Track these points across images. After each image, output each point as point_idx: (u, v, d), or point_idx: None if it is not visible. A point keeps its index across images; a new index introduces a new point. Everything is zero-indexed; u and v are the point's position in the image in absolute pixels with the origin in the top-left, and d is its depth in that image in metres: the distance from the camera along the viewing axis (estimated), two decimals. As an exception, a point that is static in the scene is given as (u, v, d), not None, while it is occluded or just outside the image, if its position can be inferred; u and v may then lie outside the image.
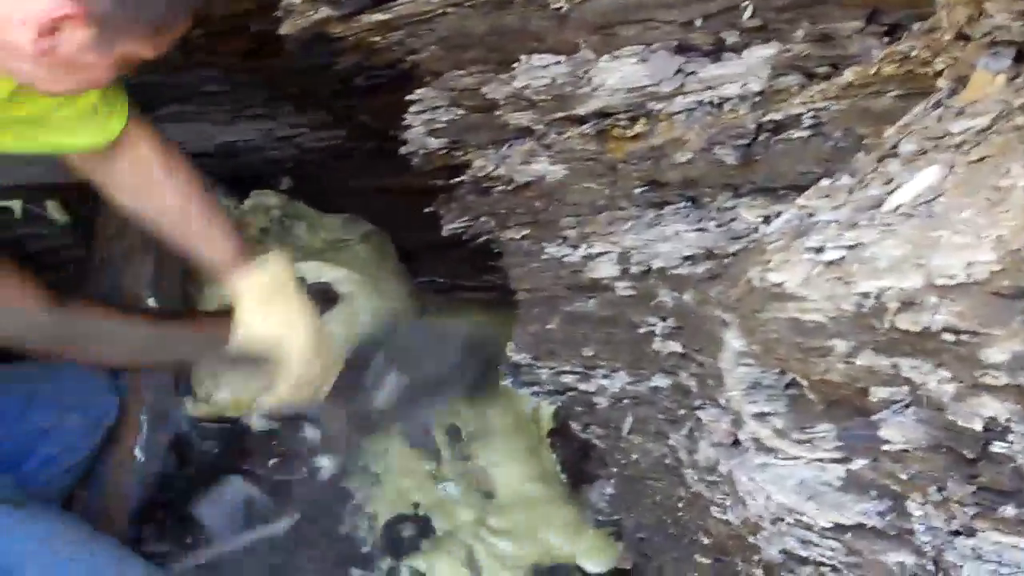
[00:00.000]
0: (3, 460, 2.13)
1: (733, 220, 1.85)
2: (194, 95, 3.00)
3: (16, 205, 3.15)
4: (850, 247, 1.31)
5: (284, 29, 2.19)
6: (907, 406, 1.24)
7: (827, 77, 1.70)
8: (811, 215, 1.48)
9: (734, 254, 1.80)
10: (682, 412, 1.93)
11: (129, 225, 2.79)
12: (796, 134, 1.73)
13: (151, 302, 2.81)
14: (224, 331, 2.71)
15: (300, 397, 2.29)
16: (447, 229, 2.36)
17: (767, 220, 1.76)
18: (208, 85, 2.95)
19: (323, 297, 2.95)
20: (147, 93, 2.94)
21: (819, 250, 1.35)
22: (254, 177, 3.24)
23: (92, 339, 2.42)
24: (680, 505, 1.97)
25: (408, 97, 2.17)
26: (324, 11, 2.09)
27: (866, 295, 1.25)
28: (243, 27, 2.56)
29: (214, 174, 3.10)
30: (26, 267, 2.32)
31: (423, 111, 2.16)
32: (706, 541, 1.87)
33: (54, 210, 3.17)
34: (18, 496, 2.04)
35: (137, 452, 2.64)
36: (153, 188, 2.29)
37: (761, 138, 1.77)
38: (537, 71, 1.93)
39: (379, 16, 2.03)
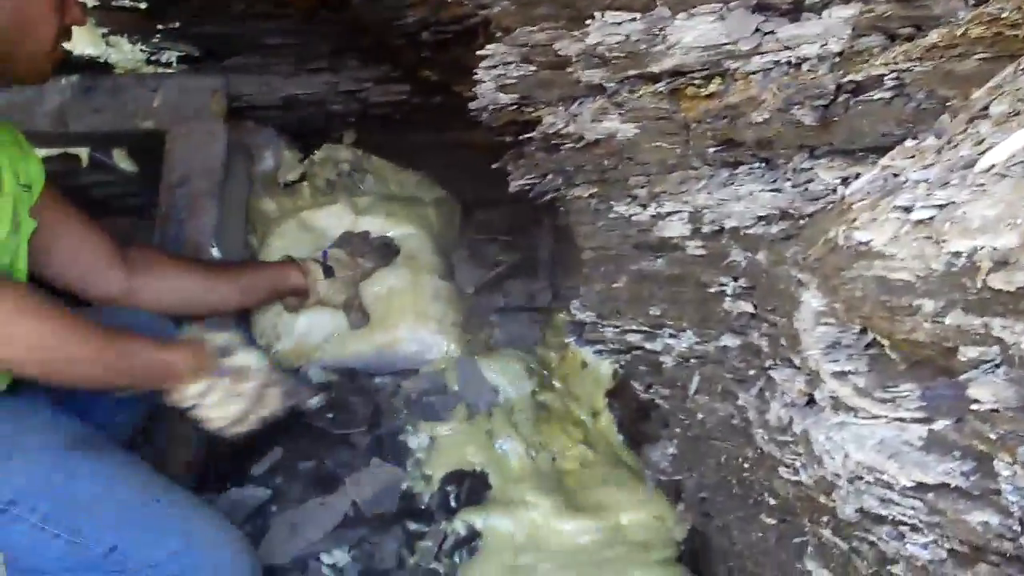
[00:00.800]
0: (73, 403, 2.15)
1: (810, 181, 1.84)
2: (259, 47, 3.01)
3: (83, 153, 3.18)
4: (941, 206, 1.30)
5: (355, -20, 2.19)
6: (998, 365, 1.23)
7: (910, 38, 1.69)
8: (896, 175, 1.47)
9: (811, 215, 1.79)
10: (752, 372, 1.93)
11: (193, 175, 2.81)
12: (877, 95, 1.72)
13: (214, 252, 2.83)
14: (284, 280, 2.74)
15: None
16: (514, 185, 2.36)
17: (845, 181, 1.75)
18: (273, 37, 2.96)
19: (385, 250, 2.97)
20: (213, 44, 2.97)
21: (908, 209, 1.34)
22: (317, 131, 3.25)
23: (158, 287, 2.46)
24: (746, 465, 1.97)
25: (479, 52, 2.16)
26: (395, -38, 2.09)
27: (957, 254, 1.24)
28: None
29: (277, 125, 3.13)
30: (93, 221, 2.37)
31: (494, 66, 2.15)
32: (772, 502, 1.87)
33: (120, 159, 3.20)
34: (88, 440, 2.06)
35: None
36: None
37: (840, 99, 1.76)
38: (611, 28, 1.92)
39: (451, -31, 2.03)
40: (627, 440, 2.62)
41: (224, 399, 2.18)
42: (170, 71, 3.07)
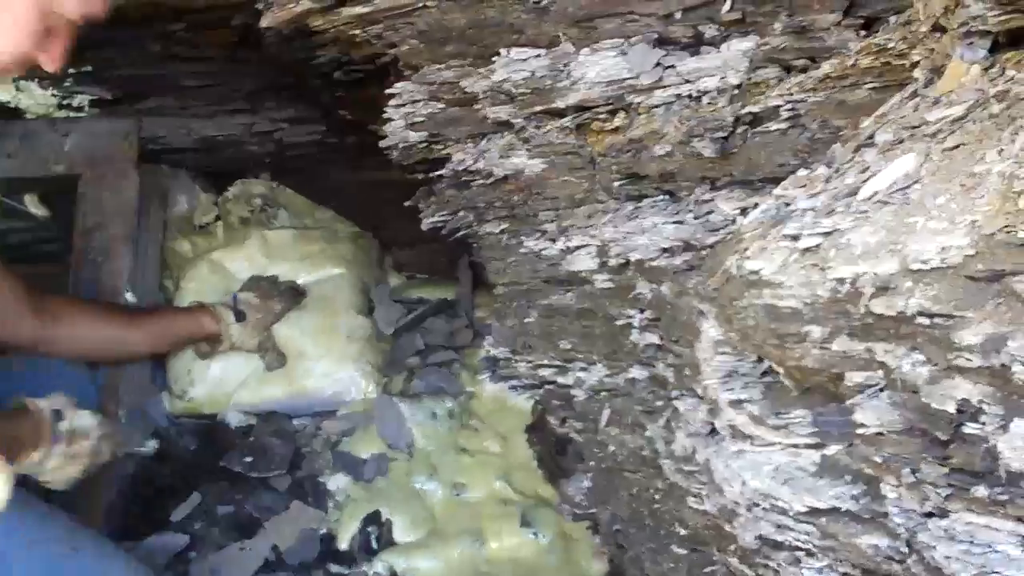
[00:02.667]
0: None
1: (711, 212, 1.85)
2: (174, 89, 2.99)
3: (-5, 199, 3.14)
4: (826, 234, 1.32)
5: (265, 22, 2.19)
6: (881, 390, 1.24)
7: (804, 70, 1.72)
8: (788, 204, 1.49)
9: (711, 246, 1.81)
10: (659, 403, 1.94)
11: (107, 219, 2.79)
12: (774, 126, 1.74)
13: (129, 296, 2.81)
14: (196, 326, 2.72)
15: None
16: (427, 223, 2.36)
17: (744, 212, 1.77)
18: (189, 79, 2.95)
19: (294, 293, 2.96)
20: (128, 87, 2.94)
21: (795, 237, 1.36)
22: (234, 172, 3.23)
23: (71, 336, 2.43)
24: (657, 496, 1.97)
25: (388, 91, 2.17)
26: (305, 3, 2.09)
27: (841, 280, 1.26)
28: (225, 20, 2.55)
29: (193, 167, 3.11)
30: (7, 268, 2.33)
31: (403, 104, 2.16)
32: (682, 532, 1.88)
33: (32, 204, 3.16)
34: None
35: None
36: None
37: (739, 131, 1.78)
38: (517, 64, 1.94)
39: (359, 9, 2.03)
40: (546, 475, 2.62)
41: (62, 463, 2.16)
42: (82, 115, 3.04)
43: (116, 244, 2.81)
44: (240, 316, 2.81)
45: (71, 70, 2.89)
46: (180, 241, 3.09)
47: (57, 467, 2.15)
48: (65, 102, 3.01)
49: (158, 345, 2.74)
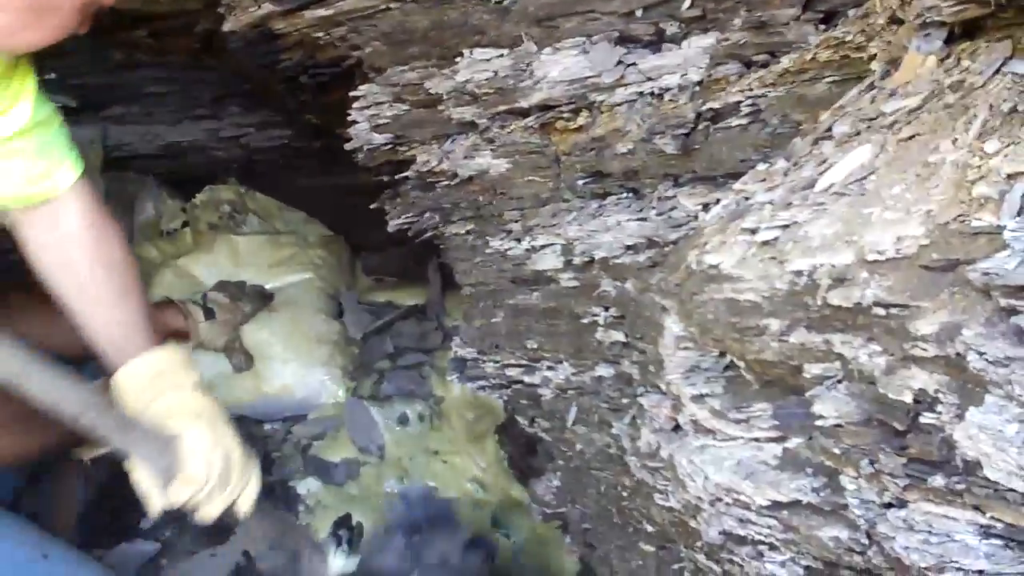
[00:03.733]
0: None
1: (673, 209, 1.86)
2: (139, 96, 2.99)
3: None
4: (784, 227, 1.32)
5: (227, 26, 2.19)
6: (839, 381, 1.25)
7: (765, 65, 1.72)
8: (747, 198, 1.49)
9: (674, 242, 1.81)
10: (625, 400, 1.94)
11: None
12: (735, 122, 1.75)
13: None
14: (164, 322, 2.70)
15: (200, 499, 1.95)
16: (393, 225, 2.36)
17: (706, 208, 1.77)
18: (154, 86, 2.94)
19: (261, 297, 2.94)
20: (92, 95, 2.93)
21: (754, 231, 1.36)
22: (201, 178, 3.22)
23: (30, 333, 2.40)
24: (624, 494, 1.97)
25: (352, 93, 2.16)
26: (266, 7, 2.09)
27: (799, 273, 1.26)
28: (188, 26, 2.55)
29: (159, 175, 3.10)
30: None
31: (367, 107, 2.16)
32: (650, 529, 1.88)
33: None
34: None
35: (85, 458, 2.61)
36: (73, 266, 2.05)
37: (700, 127, 1.79)
38: (479, 65, 1.94)
39: (321, 12, 2.03)
40: (517, 475, 2.62)
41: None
42: (47, 123, 3.02)
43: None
44: (209, 314, 2.79)
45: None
46: (147, 247, 3.07)
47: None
48: (29, 110, 2.99)
49: None
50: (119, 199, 2.97)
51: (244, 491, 2.03)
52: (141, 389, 1.94)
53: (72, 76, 2.91)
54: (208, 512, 1.96)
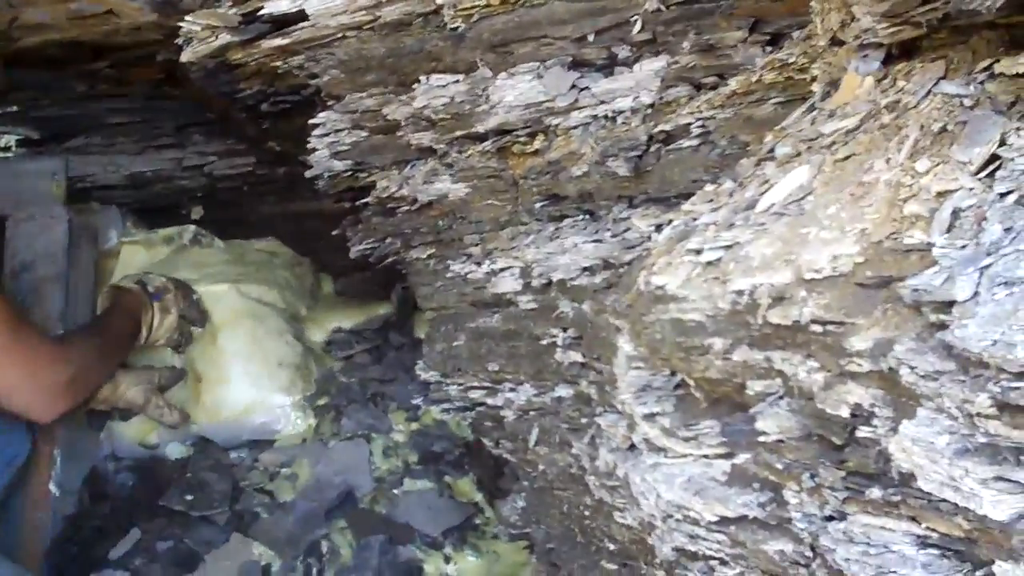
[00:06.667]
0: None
1: (627, 230, 1.88)
2: (102, 127, 3.00)
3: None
4: (727, 247, 1.35)
5: (186, 56, 2.20)
6: (781, 398, 1.27)
7: (714, 87, 1.75)
8: (695, 219, 1.51)
9: (628, 263, 1.84)
10: (584, 420, 1.96)
11: (36, 260, 2.76)
12: (685, 143, 1.78)
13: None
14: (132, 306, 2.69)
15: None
16: (355, 251, 2.38)
17: (659, 229, 1.79)
18: (116, 116, 2.95)
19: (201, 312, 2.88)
20: (55, 126, 2.94)
21: (698, 251, 1.39)
22: (165, 207, 3.22)
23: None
24: (586, 513, 1.99)
25: (311, 121, 2.18)
26: (224, 37, 2.10)
27: (740, 292, 1.28)
28: (149, 57, 2.56)
29: (124, 205, 3.10)
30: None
31: (326, 134, 2.18)
32: (612, 547, 1.89)
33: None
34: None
35: (52, 487, 2.61)
36: None
37: (653, 149, 1.82)
38: (436, 91, 1.97)
39: (278, 41, 2.05)
40: (486, 497, 2.62)
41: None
42: (9, 155, 3.03)
43: (45, 285, 2.76)
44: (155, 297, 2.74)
45: (-4, 111, 2.89)
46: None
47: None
48: (-9, 143, 3.02)
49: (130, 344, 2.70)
50: (82, 230, 2.96)
51: None
52: None
53: (34, 108, 2.92)
54: None
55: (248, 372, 2.83)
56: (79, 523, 2.68)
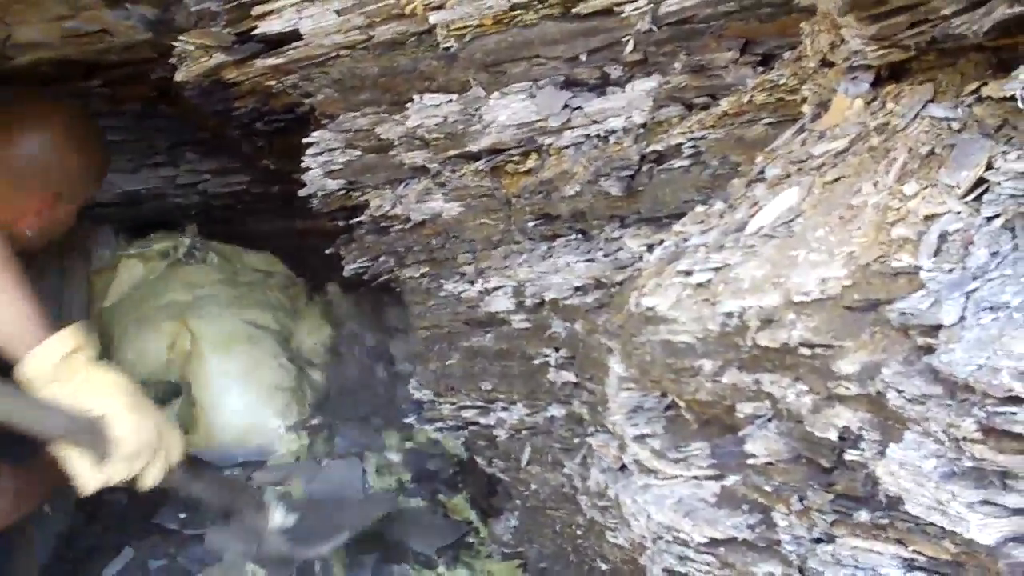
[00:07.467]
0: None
1: (619, 250, 1.88)
2: (96, 145, 2.99)
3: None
4: (716, 269, 1.35)
5: (180, 76, 2.20)
6: (770, 420, 1.27)
7: (705, 107, 1.75)
8: (685, 240, 1.52)
9: (620, 283, 1.84)
10: (576, 440, 1.96)
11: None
12: (677, 163, 1.78)
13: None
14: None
15: (137, 469, 2.01)
16: (349, 269, 2.38)
17: (651, 249, 1.79)
18: (110, 135, 2.94)
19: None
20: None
21: (688, 273, 1.39)
22: (160, 225, 3.22)
23: None
24: (579, 533, 1.99)
25: (305, 140, 2.19)
26: (218, 57, 2.11)
27: (730, 314, 1.29)
28: (143, 75, 2.56)
29: (118, 222, 3.10)
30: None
31: (320, 153, 2.18)
32: (604, 567, 1.89)
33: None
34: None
35: (44, 506, 2.60)
36: None
37: (644, 169, 1.81)
38: (429, 110, 1.97)
39: (272, 60, 2.05)
40: (480, 515, 2.62)
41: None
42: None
43: (39, 304, 2.76)
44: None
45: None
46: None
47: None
48: (-16, 163, 3.00)
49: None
50: (75, 249, 2.96)
51: (173, 451, 2.09)
52: (50, 374, 1.93)
53: (29, 127, 2.91)
54: (146, 481, 2.04)
55: (244, 397, 2.83)
56: (72, 541, 2.67)
